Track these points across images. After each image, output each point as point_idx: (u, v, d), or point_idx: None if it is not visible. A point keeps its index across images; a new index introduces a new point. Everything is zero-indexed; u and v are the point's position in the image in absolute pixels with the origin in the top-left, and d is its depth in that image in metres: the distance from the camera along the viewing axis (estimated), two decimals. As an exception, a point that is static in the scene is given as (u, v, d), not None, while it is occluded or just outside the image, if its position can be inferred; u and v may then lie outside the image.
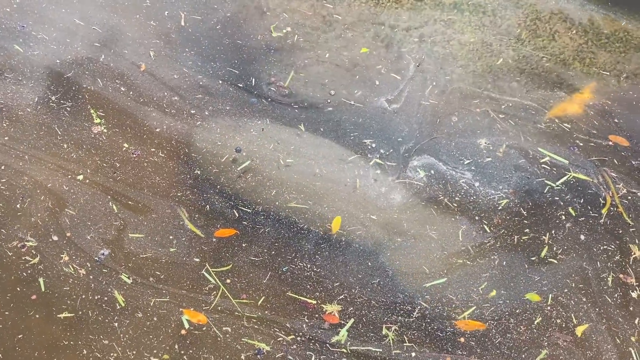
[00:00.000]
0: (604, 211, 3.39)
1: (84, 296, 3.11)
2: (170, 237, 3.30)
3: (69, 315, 3.06)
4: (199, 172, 3.48)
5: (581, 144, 3.58)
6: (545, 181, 3.48)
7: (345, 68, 3.77)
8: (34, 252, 3.18)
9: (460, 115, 3.67)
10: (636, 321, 3.13)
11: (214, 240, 3.29)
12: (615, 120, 3.64)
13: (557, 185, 3.46)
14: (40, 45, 3.80)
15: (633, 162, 3.52)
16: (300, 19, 3.92)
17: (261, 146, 3.53)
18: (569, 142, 3.58)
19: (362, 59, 3.82)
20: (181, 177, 3.47)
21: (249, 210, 3.37)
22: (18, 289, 3.09)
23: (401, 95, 3.71)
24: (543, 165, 3.52)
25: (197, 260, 3.23)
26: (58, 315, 3.05)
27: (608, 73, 3.80)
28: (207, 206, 3.38)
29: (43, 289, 3.10)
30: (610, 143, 3.57)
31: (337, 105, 3.69)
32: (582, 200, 3.42)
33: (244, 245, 3.30)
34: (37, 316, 3.04)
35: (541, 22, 4.01)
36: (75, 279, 3.14)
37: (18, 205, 3.31)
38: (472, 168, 3.51)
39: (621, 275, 3.21)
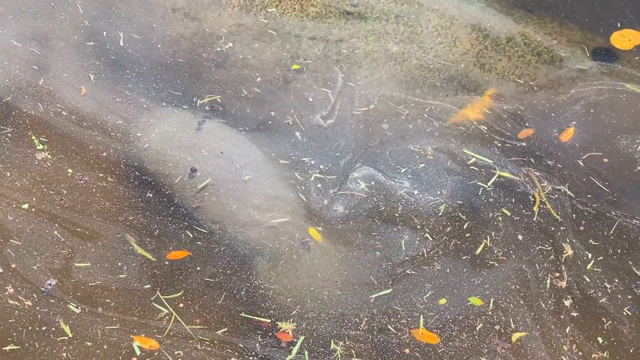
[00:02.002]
0: (535, 208, 3.35)
1: (30, 327, 2.94)
2: (120, 263, 3.12)
3: (15, 347, 2.91)
4: (151, 195, 3.30)
5: (499, 145, 3.53)
6: (478, 183, 3.42)
7: (279, 86, 3.62)
8: None
9: (389, 122, 3.57)
10: (567, 330, 3.10)
11: (167, 263, 3.14)
12: (527, 125, 3.60)
13: (489, 187, 3.40)
14: (-24, 68, 3.45)
15: (549, 162, 3.49)
16: (240, 36, 3.74)
17: (215, 166, 3.38)
18: (489, 143, 3.51)
19: (294, 75, 3.65)
20: (132, 201, 3.29)
21: (204, 230, 3.22)
22: (-40, 325, 2.83)
23: (334, 109, 3.58)
24: (472, 167, 3.46)
25: (149, 285, 3.07)
26: (3, 348, 2.89)
27: (521, 81, 3.74)
28: (158, 230, 3.21)
29: None
30: (524, 144, 3.52)
31: (278, 126, 3.55)
32: (513, 200, 3.38)
33: (198, 267, 3.16)
34: (-18, 350, 2.78)
35: (442, 29, 3.90)
36: (21, 310, 2.96)
37: (-40, 238, 3.02)
38: (409, 176, 3.42)
39: (557, 275, 3.19)
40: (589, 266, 3.26)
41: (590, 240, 3.33)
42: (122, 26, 3.77)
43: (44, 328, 2.95)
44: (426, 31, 3.91)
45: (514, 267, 3.24)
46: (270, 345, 2.99)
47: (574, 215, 3.36)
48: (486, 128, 3.60)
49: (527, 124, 3.63)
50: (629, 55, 3.90)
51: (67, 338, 2.93)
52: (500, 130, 3.61)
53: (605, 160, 3.56)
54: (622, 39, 3.95)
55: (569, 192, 3.42)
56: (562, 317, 3.13)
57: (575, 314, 3.15)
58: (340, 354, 2.99)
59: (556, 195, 3.42)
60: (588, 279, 3.23)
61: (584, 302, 3.19)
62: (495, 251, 3.27)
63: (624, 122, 3.68)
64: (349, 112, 3.61)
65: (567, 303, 3.17)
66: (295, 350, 2.97)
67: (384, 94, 3.67)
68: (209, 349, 2.97)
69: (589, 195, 3.43)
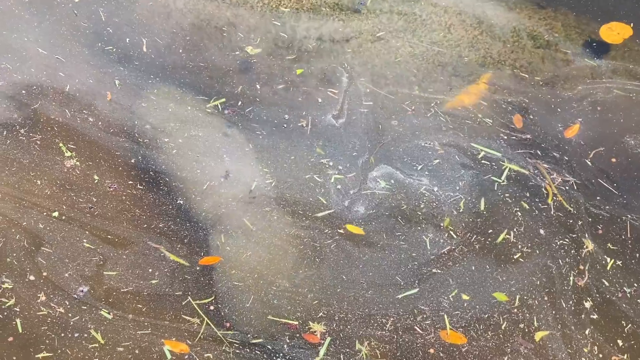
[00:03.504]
0: (549, 201, 3.26)
1: (62, 334, 2.90)
2: (152, 269, 3.07)
3: (48, 355, 2.87)
4: (181, 202, 3.24)
5: (505, 137, 3.42)
6: (492, 178, 3.33)
7: (288, 89, 3.54)
8: (10, 294, 2.95)
9: (397, 117, 3.48)
10: (587, 331, 3.02)
11: (198, 268, 3.09)
12: (531, 117, 3.49)
13: (503, 181, 3.31)
14: (4, 75, 3.46)
15: (555, 154, 3.38)
16: (257, 39, 3.66)
17: (238, 171, 3.35)
18: (495, 136, 3.42)
19: (300, 79, 3.57)
20: (163, 208, 3.23)
21: (233, 234, 3.17)
22: (-7, 332, 2.80)
23: (342, 108, 3.49)
24: (483, 161, 3.37)
25: (180, 292, 3.03)
26: (36, 356, 2.85)
27: (526, 75, 3.64)
28: (189, 236, 3.16)
29: (20, 330, 2.89)
30: (529, 136, 3.42)
31: (293, 129, 3.47)
32: (528, 194, 3.29)
33: (229, 271, 3.10)
34: (15, 358, 2.83)
35: (436, 16, 3.79)
36: (53, 317, 2.92)
37: (-8, 246, 2.98)
38: (426, 173, 3.34)
39: (580, 267, 3.11)
40: (607, 269, 3.16)
41: (609, 244, 3.23)
42: (143, 32, 3.70)
43: (76, 335, 2.91)
44: (419, 19, 3.80)
45: (539, 262, 3.15)
46: (298, 347, 2.94)
47: (590, 219, 3.25)
48: (491, 121, 3.50)
49: (531, 117, 3.52)
50: (620, 49, 3.76)
51: (98, 345, 2.89)
52: (505, 123, 3.50)
53: (613, 160, 3.45)
54: (611, 33, 3.81)
55: (574, 181, 3.33)
56: (582, 318, 3.04)
57: (595, 317, 3.07)
58: (365, 354, 2.92)
59: (567, 187, 3.32)
60: (607, 283, 3.13)
61: (603, 304, 3.09)
62: (519, 246, 3.18)
63: (632, 122, 3.55)
64: (357, 111, 3.52)
65: (587, 305, 3.08)
66: (322, 351, 2.92)
67: (390, 90, 3.57)
68: (237, 351, 2.92)
69: (598, 197, 3.32)
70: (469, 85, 3.65)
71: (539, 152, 3.43)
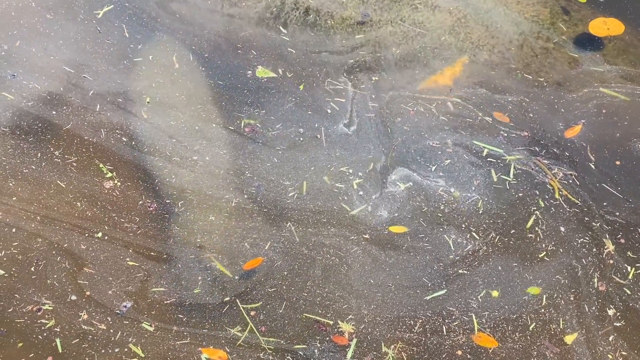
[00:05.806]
0: (557, 196, 3.30)
1: (103, 350, 2.95)
2: (195, 280, 3.14)
3: None
4: (213, 218, 3.29)
5: (505, 135, 3.46)
6: (502, 176, 3.37)
7: (296, 103, 3.58)
8: (50, 315, 2.99)
9: (402, 120, 3.52)
10: (610, 338, 3.05)
11: (236, 277, 3.15)
12: (530, 115, 3.52)
13: (512, 179, 3.34)
14: (33, 95, 3.47)
15: (555, 151, 3.41)
16: (267, 57, 3.70)
17: (261, 186, 3.39)
18: (495, 134, 3.46)
19: (307, 94, 3.61)
20: (199, 224, 3.27)
21: (262, 244, 3.23)
22: (32, 354, 2.91)
23: (352, 115, 3.54)
24: (489, 159, 3.41)
25: (222, 298, 3.11)
26: None
27: (530, 77, 3.65)
28: (227, 247, 3.22)
29: (60, 350, 2.93)
30: (527, 134, 3.44)
31: (309, 142, 3.50)
32: (537, 192, 3.32)
33: (262, 278, 3.16)
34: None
35: None
36: (95, 335, 2.97)
37: (32, 269, 3.08)
38: (441, 174, 3.38)
39: (602, 268, 3.14)
40: (630, 278, 3.21)
41: (629, 253, 3.26)
42: (167, 49, 3.70)
43: (116, 350, 2.96)
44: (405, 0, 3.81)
45: (564, 261, 3.19)
46: (328, 350, 3.00)
47: (609, 227, 3.29)
48: (490, 119, 3.54)
49: (530, 115, 3.56)
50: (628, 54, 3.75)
51: (138, 359, 2.95)
52: (505, 120, 3.54)
53: (617, 163, 3.48)
54: (602, 26, 3.77)
55: (575, 175, 3.37)
56: (606, 324, 3.09)
57: (618, 324, 3.11)
58: (392, 357, 2.99)
59: (570, 182, 3.36)
60: (629, 292, 3.18)
61: (626, 312, 3.13)
62: (544, 244, 3.22)
63: (638, 126, 3.57)
64: (365, 116, 3.56)
65: (610, 312, 3.12)
66: (349, 354, 2.98)
67: (392, 95, 3.62)
68: (271, 357, 2.99)
69: (605, 203, 3.35)
70: (445, 67, 3.68)
71: (537, 149, 3.47)
